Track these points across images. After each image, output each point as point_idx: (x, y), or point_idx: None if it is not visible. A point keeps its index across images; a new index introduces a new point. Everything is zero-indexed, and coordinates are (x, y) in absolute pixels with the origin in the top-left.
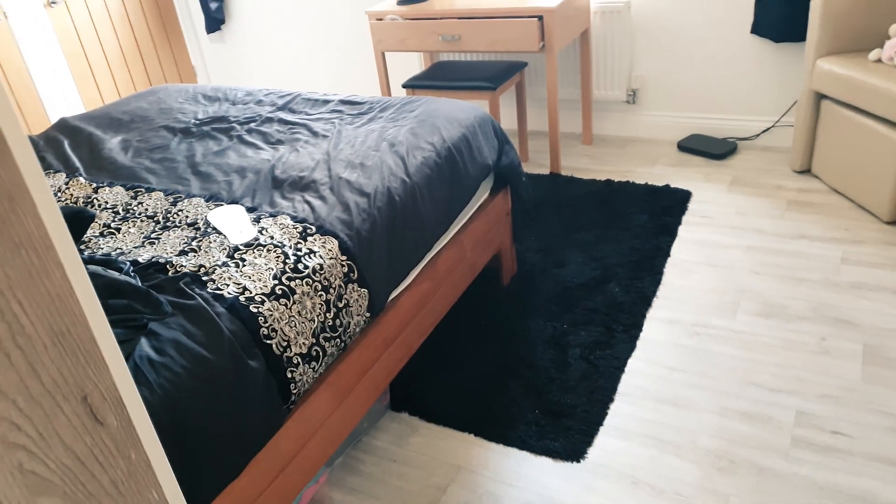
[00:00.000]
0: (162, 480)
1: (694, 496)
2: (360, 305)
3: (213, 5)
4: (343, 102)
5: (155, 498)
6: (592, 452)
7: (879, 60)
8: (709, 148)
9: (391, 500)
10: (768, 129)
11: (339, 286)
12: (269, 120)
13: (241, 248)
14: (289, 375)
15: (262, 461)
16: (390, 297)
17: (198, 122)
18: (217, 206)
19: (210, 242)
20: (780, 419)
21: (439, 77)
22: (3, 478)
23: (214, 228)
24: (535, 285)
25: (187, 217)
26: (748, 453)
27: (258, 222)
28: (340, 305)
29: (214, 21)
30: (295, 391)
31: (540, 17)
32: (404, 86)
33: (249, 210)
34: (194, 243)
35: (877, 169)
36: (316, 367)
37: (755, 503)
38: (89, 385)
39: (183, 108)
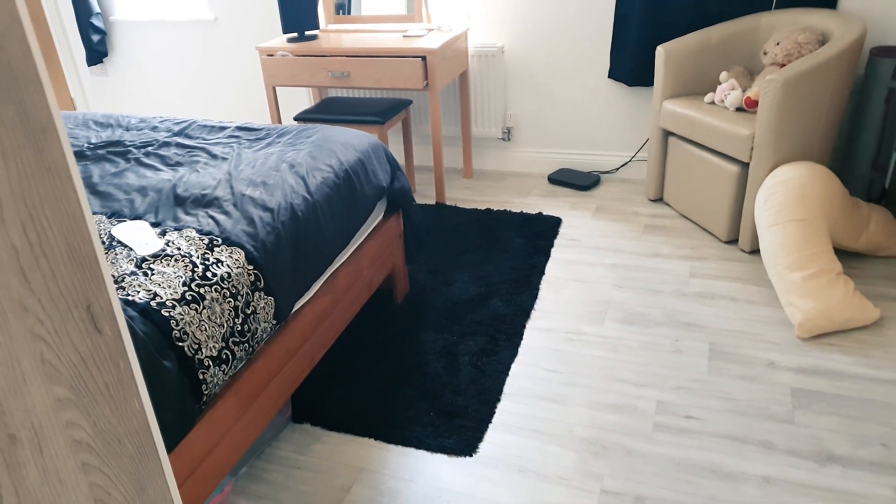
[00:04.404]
0: (141, 392)
1: (573, 478)
2: (267, 313)
3: (96, 38)
4: (240, 129)
5: (136, 406)
6: (483, 447)
7: (713, 102)
8: (575, 180)
9: None
10: (626, 163)
11: (247, 293)
12: (167, 144)
13: (149, 258)
14: (200, 377)
15: (171, 464)
16: (294, 309)
17: (91, 145)
18: (120, 222)
19: (116, 255)
20: (643, 408)
21: (329, 111)
22: (28, 363)
23: (120, 242)
24: (427, 302)
25: None
26: (617, 438)
27: (164, 235)
28: (248, 312)
29: (96, 54)
30: (206, 392)
31: (423, 58)
32: (296, 118)
33: (154, 225)
34: None
35: (715, 196)
36: (226, 370)
37: (625, 480)
38: (92, 296)
39: (74, 133)
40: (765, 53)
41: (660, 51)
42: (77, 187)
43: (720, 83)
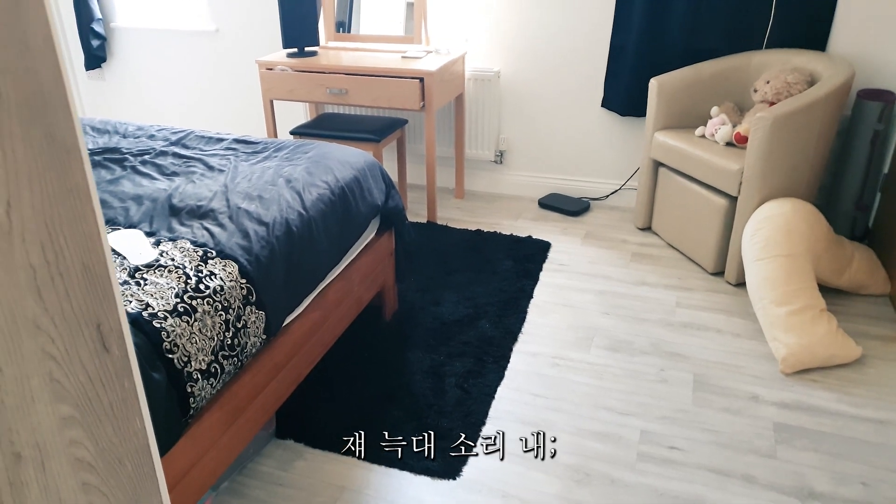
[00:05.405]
0: (143, 412)
1: None
2: (258, 327)
3: (95, 43)
4: (237, 141)
5: (138, 426)
6: (467, 471)
7: (703, 136)
8: (565, 206)
9: None
10: (616, 191)
11: (239, 307)
12: (164, 153)
13: (142, 268)
14: (188, 390)
15: None
16: (283, 324)
17: (87, 151)
18: (114, 230)
19: None
20: (627, 437)
21: (326, 126)
22: (37, 381)
23: (113, 250)
24: (415, 321)
25: None
26: (601, 467)
27: (158, 245)
28: (239, 326)
29: (95, 59)
30: (194, 405)
31: (421, 79)
32: (292, 132)
33: (148, 234)
34: None
35: (703, 228)
36: (214, 384)
37: None
38: (102, 316)
39: None
40: (755, 91)
41: (653, 83)
42: (95, 207)
43: (711, 117)
